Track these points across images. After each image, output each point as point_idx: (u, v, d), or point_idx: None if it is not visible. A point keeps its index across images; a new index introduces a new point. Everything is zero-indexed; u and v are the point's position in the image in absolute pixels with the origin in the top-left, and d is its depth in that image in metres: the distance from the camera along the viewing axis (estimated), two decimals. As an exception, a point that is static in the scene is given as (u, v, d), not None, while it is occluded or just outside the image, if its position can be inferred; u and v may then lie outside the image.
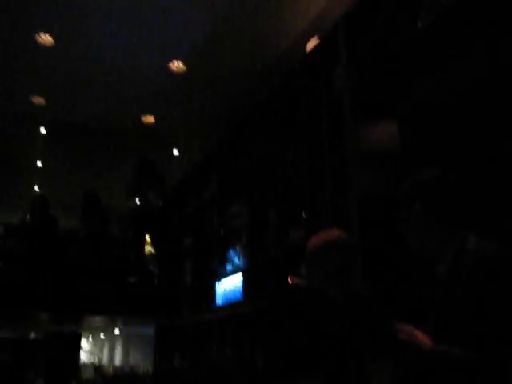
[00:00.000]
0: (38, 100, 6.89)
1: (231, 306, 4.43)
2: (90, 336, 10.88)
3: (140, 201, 7.15)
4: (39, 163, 9.16)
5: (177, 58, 5.70)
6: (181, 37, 5.38)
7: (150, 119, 7.00)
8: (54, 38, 5.48)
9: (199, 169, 5.84)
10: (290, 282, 2.53)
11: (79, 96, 6.64)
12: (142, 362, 6.98)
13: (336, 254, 2.56)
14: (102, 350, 10.71)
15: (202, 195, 5.60)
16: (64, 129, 7.63)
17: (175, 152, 7.67)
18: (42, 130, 7.99)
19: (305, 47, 4.17)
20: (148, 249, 7.10)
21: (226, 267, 4.66)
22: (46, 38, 5.51)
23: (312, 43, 4.05)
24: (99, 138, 7.72)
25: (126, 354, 8.18)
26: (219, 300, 4.69)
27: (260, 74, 5.50)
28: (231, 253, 4.59)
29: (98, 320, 7.23)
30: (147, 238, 6.96)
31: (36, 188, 9.96)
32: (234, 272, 4.48)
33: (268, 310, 2.85)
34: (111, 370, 8.09)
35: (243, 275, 4.26)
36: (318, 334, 1.93)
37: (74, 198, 8.19)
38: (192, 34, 5.32)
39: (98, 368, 8.61)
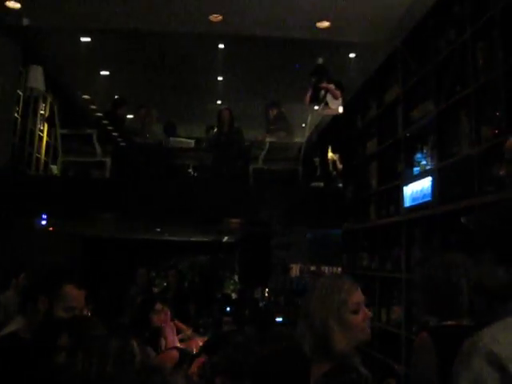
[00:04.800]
0: (215, 18, 7.14)
1: (420, 207, 4.46)
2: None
3: (319, 107, 7.25)
4: (220, 78, 9.60)
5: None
6: None
7: (324, 24, 6.96)
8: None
9: (380, 70, 5.74)
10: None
11: (253, 9, 6.76)
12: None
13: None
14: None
15: (385, 98, 5.54)
16: (241, 43, 7.87)
17: (352, 55, 7.61)
18: (221, 46, 8.32)
19: None
20: (330, 155, 7.28)
21: (413, 169, 4.67)
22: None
23: None
24: (275, 49, 7.88)
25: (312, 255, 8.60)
26: (407, 202, 4.74)
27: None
28: (418, 155, 4.56)
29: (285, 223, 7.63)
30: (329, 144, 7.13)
31: (219, 102, 10.51)
32: (422, 174, 4.48)
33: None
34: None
35: (432, 177, 4.24)
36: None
37: (256, 110, 8.58)
38: None
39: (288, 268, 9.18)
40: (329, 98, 7.15)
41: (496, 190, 3.21)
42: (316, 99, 7.30)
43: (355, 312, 2.16)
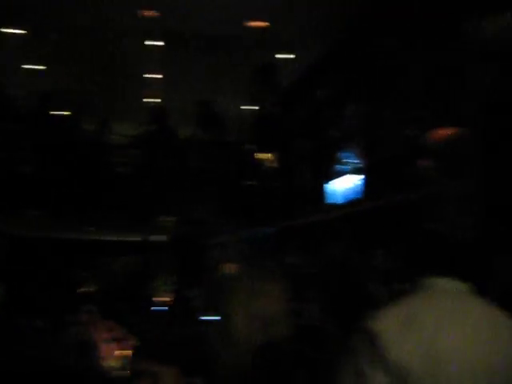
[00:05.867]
0: (150, 13, 7.07)
1: (348, 204, 4.54)
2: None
3: (258, 106, 7.26)
4: (154, 75, 9.50)
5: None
6: None
7: (259, 24, 6.98)
8: None
9: (313, 71, 5.82)
10: None
11: (189, 6, 6.73)
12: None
13: (459, 148, 2.56)
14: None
15: (316, 97, 5.61)
16: (178, 40, 7.82)
17: (287, 56, 7.64)
18: (156, 42, 8.23)
19: None
20: (264, 153, 7.29)
21: (342, 167, 4.75)
22: None
23: None
24: (212, 47, 7.85)
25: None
26: (336, 199, 4.82)
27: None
28: (348, 153, 4.65)
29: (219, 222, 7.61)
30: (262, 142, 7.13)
31: (154, 99, 10.38)
32: (350, 172, 4.57)
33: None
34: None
35: (361, 174, 4.34)
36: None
37: (191, 107, 8.50)
38: None
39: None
40: (269, 97, 7.13)
41: (418, 187, 3.29)
42: (256, 97, 7.29)
43: None
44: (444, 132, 2.61)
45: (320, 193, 5.35)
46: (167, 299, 9.65)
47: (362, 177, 4.33)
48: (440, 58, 3.40)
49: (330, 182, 5.02)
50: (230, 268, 9.04)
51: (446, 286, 1.50)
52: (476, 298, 1.52)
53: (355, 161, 4.55)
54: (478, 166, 2.76)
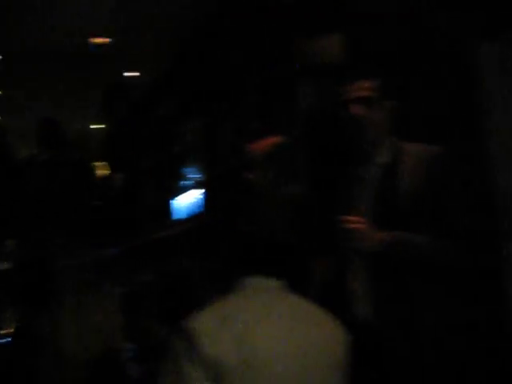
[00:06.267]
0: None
1: (190, 219, 4.59)
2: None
3: (109, 123, 7.12)
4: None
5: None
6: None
7: (102, 40, 6.89)
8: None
9: (155, 88, 5.85)
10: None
11: (31, 20, 6.50)
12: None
13: (282, 156, 2.70)
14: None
15: (159, 114, 5.64)
16: (16, 55, 7.51)
17: (131, 73, 7.59)
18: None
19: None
20: (109, 172, 7.16)
21: (184, 183, 4.81)
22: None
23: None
24: (53, 63, 7.62)
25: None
26: (178, 214, 4.86)
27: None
28: (190, 168, 4.72)
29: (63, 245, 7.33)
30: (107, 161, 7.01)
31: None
32: (192, 187, 4.63)
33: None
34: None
35: (201, 189, 4.41)
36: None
37: (33, 126, 8.14)
38: None
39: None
40: (120, 114, 7.01)
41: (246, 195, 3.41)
42: (106, 115, 7.14)
43: None
44: (266, 141, 2.76)
45: (165, 209, 5.36)
46: (12, 329, 9.10)
47: (203, 191, 4.40)
48: (273, 74, 3.57)
49: (174, 198, 5.04)
50: (73, 289, 8.73)
51: (260, 284, 1.57)
52: (288, 294, 1.60)
53: (198, 175, 4.62)
54: (300, 172, 2.94)
